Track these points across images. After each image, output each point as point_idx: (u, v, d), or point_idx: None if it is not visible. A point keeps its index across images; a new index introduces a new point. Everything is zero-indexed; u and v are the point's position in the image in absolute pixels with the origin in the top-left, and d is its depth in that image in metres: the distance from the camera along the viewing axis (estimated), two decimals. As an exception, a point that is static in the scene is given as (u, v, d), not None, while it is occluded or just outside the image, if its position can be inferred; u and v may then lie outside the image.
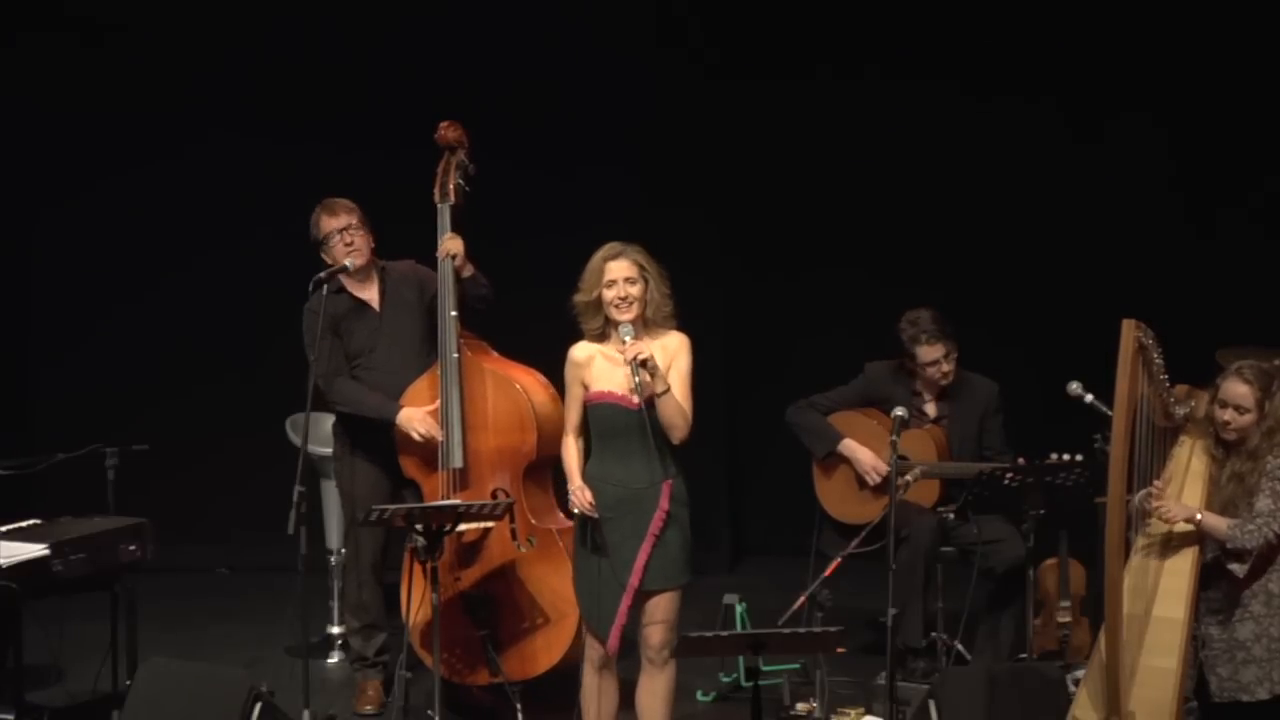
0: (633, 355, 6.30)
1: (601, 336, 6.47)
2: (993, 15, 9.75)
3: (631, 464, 6.39)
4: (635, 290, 6.39)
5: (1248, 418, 6.32)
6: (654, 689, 6.48)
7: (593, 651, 6.51)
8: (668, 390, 6.34)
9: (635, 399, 6.34)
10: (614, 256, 6.42)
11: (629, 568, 6.36)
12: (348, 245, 7.40)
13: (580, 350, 6.49)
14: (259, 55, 9.87)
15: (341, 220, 7.41)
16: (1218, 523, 6.28)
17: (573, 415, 6.52)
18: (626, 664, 6.64)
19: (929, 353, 7.76)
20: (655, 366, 6.32)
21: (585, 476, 6.45)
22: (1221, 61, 9.59)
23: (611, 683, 6.55)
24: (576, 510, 6.44)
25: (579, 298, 6.46)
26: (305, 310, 7.39)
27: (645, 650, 6.47)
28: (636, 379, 6.30)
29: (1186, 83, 9.63)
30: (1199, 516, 6.29)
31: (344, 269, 7.39)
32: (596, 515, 6.38)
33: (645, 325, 6.41)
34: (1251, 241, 9.60)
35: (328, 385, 7.38)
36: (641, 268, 6.41)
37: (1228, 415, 6.35)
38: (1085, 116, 9.83)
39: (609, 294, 6.39)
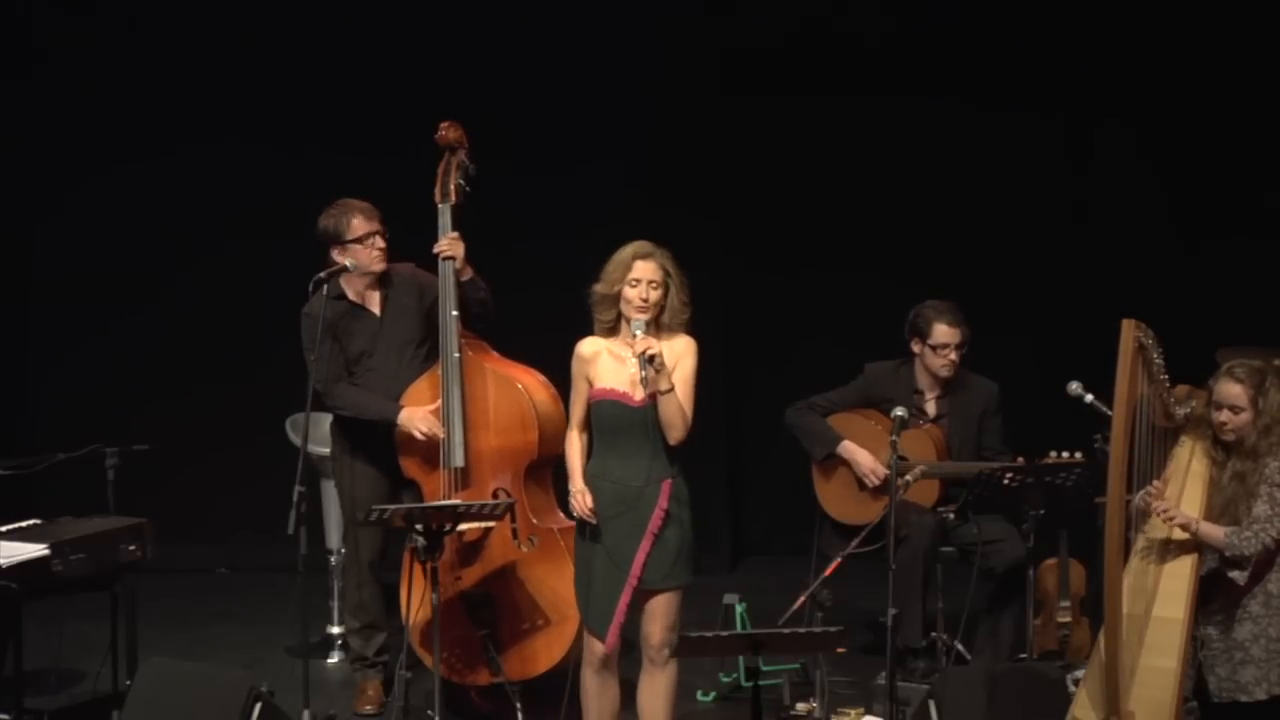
0: (642, 349, 6.30)
1: (612, 331, 6.47)
2: (996, 20, 9.76)
3: (632, 462, 6.39)
4: (657, 295, 6.38)
5: (1243, 416, 6.30)
6: (655, 689, 6.47)
7: (592, 651, 6.51)
8: (672, 389, 6.34)
9: (637, 396, 6.35)
10: (644, 256, 6.40)
11: (628, 565, 6.36)
12: (379, 250, 7.41)
13: (587, 346, 6.49)
14: (259, 55, 9.86)
15: (376, 225, 7.42)
16: (1214, 532, 6.26)
17: (578, 410, 6.53)
18: (628, 664, 6.64)
19: (949, 334, 7.72)
20: (663, 364, 6.32)
21: (586, 474, 6.46)
22: (1220, 63, 9.60)
23: (612, 682, 6.55)
24: (576, 514, 6.46)
25: (599, 288, 6.44)
26: (303, 314, 7.38)
27: (646, 650, 6.47)
28: (644, 373, 6.30)
29: (1187, 85, 9.63)
30: (1195, 527, 6.28)
31: (344, 269, 7.38)
32: (595, 521, 6.39)
33: (657, 328, 6.41)
34: (1252, 241, 9.59)
35: (328, 391, 7.37)
36: (667, 273, 6.41)
37: (1224, 416, 6.33)
38: (1083, 121, 9.84)
39: (631, 292, 6.38)
